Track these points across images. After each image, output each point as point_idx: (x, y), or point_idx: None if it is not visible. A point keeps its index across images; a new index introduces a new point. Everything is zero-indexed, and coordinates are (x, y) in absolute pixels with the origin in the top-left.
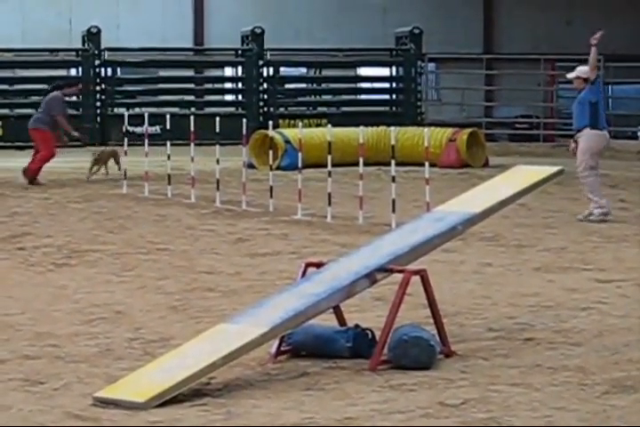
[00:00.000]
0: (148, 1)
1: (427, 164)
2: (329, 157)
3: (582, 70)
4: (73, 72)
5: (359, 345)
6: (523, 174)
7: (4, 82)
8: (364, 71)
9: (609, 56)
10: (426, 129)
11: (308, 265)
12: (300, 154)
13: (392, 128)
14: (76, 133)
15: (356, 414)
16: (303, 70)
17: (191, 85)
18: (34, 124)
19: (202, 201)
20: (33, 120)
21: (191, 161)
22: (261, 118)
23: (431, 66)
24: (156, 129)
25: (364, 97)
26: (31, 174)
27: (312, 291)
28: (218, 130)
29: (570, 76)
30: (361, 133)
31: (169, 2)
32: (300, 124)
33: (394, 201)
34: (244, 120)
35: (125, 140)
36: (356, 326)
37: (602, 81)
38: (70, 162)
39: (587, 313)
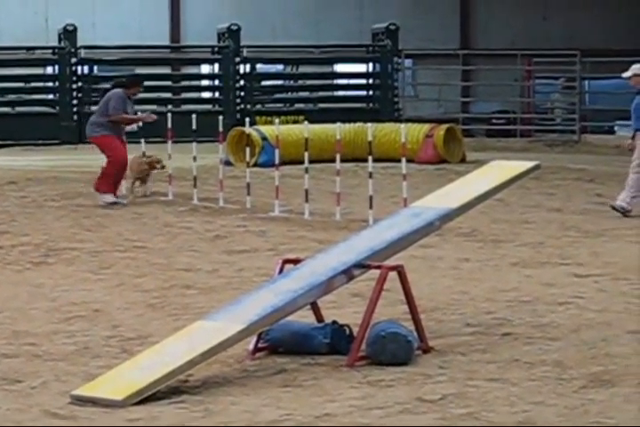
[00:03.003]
0: None
1: (404, 160)
2: (306, 154)
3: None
4: (49, 70)
5: (337, 341)
6: (499, 169)
7: None
8: (340, 68)
9: (586, 51)
10: (403, 125)
11: (286, 262)
12: (277, 151)
13: (369, 124)
14: (144, 117)
15: (334, 410)
16: (280, 67)
17: (168, 83)
18: (91, 132)
19: (179, 198)
20: (89, 125)
21: (168, 158)
22: (238, 115)
23: (408, 62)
24: (133, 127)
25: (340, 93)
26: (97, 189)
27: (289, 287)
28: (195, 127)
29: (626, 75)
30: (338, 130)
31: None
32: (277, 120)
33: (371, 197)
34: (221, 117)
35: None
36: (334, 322)
37: None
38: (48, 160)
39: (564, 308)
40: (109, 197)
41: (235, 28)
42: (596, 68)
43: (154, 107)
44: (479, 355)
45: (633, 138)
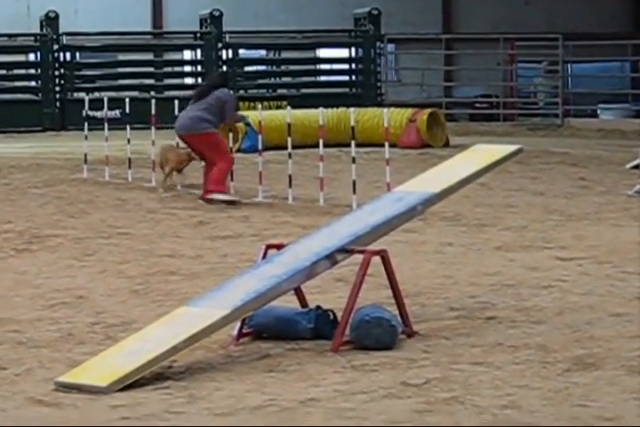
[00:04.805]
0: None
1: (387, 144)
2: (289, 140)
3: None
4: (32, 57)
5: (321, 326)
6: (482, 153)
7: None
8: (323, 53)
9: (568, 35)
10: (385, 110)
11: (269, 247)
12: (260, 136)
13: (352, 109)
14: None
15: (318, 395)
16: (262, 53)
17: (150, 69)
18: (193, 128)
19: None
20: (191, 120)
21: (152, 145)
22: None
23: (390, 46)
24: (116, 113)
25: (323, 78)
26: (206, 197)
27: (273, 273)
28: (177, 113)
29: None
30: (321, 115)
31: None
32: (260, 106)
33: (354, 182)
34: None
35: (85, 124)
36: (318, 307)
37: None
38: (30, 147)
39: (548, 291)
40: (224, 196)
41: (217, 13)
42: (579, 52)
43: (136, 93)
44: (463, 339)
45: None
